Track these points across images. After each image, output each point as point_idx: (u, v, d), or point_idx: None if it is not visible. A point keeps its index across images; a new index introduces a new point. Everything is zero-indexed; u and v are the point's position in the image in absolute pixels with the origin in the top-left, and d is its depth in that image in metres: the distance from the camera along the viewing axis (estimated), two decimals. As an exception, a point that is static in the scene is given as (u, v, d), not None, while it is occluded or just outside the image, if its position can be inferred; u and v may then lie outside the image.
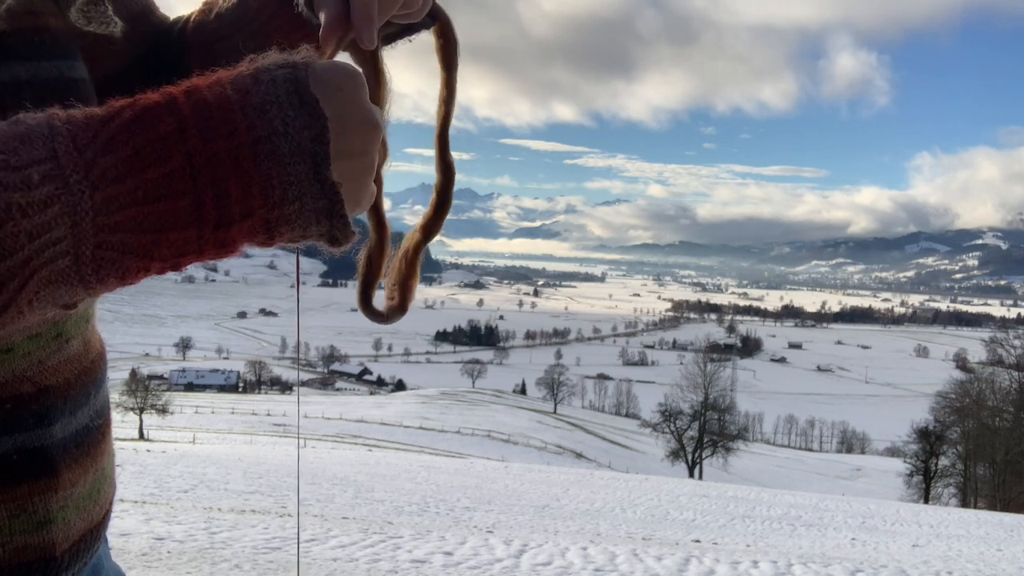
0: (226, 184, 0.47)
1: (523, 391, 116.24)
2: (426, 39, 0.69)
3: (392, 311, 0.68)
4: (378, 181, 0.61)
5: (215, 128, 0.47)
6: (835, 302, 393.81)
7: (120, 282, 0.47)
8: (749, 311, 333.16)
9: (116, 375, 71.79)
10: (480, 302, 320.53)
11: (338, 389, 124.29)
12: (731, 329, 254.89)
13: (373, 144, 0.54)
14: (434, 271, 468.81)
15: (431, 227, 0.70)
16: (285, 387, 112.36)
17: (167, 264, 0.48)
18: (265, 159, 0.48)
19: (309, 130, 0.49)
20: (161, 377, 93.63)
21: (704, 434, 49.07)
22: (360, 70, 0.54)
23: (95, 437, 0.66)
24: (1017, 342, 53.44)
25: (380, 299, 0.66)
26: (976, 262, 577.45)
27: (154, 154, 0.46)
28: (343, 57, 0.64)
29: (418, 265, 0.68)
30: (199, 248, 0.48)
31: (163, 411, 40.46)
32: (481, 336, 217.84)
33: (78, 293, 0.46)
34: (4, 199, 0.42)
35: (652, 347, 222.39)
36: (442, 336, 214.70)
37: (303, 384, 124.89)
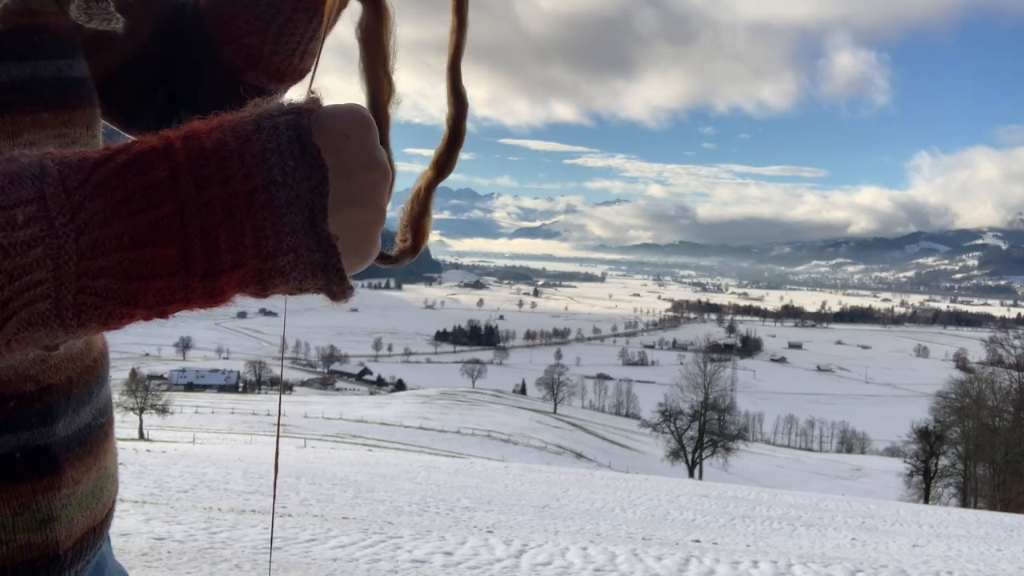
0: (216, 233, 0.45)
1: (523, 391, 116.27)
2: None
3: (403, 253, 0.65)
4: (385, 115, 0.60)
5: (209, 176, 0.46)
6: (835, 302, 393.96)
7: (102, 327, 0.46)
8: (749, 311, 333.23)
9: (116, 375, 71.12)
10: (480, 302, 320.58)
11: (338, 389, 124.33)
12: (731, 329, 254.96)
13: (381, 192, 0.52)
14: (434, 271, 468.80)
15: (444, 163, 0.66)
16: (286, 387, 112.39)
17: (152, 311, 0.47)
18: (260, 209, 0.46)
19: (309, 180, 0.48)
20: (161, 377, 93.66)
21: (704, 434, 49.08)
22: (370, 118, 0.53)
23: (98, 435, 0.66)
24: (1017, 342, 53.48)
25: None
26: (976, 262, 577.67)
27: (144, 200, 0.44)
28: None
29: (431, 204, 0.66)
30: (186, 296, 0.46)
31: (163, 411, 40.49)
32: (481, 336, 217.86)
33: (58, 336, 0.45)
34: None
35: (652, 347, 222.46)
36: (442, 336, 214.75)
37: (303, 384, 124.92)
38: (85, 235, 0.43)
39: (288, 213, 0.47)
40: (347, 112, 0.51)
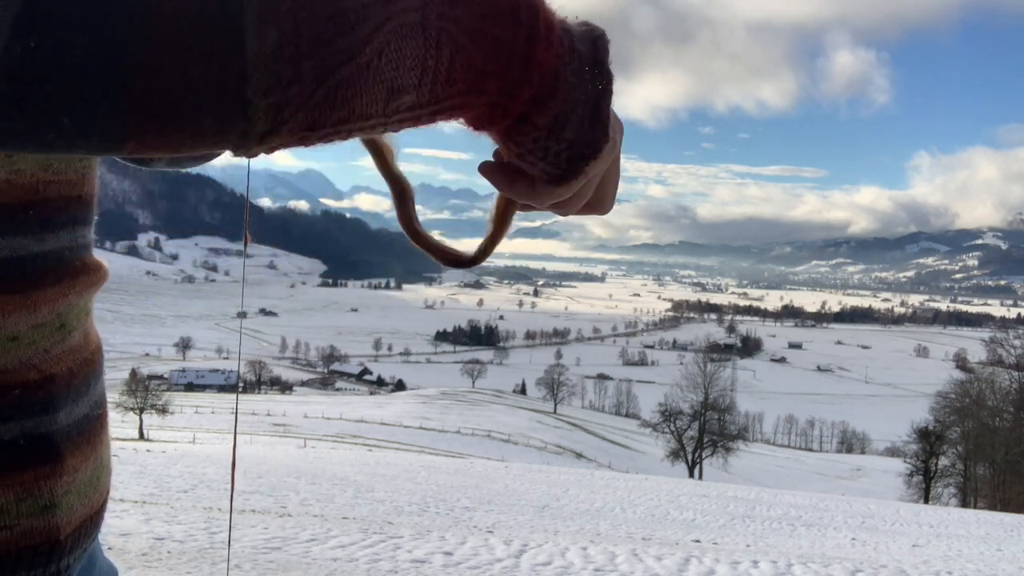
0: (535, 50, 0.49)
1: (523, 391, 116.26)
2: None
3: (481, 254, 0.64)
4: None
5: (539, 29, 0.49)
6: (835, 302, 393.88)
7: (438, 65, 0.47)
8: (749, 311, 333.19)
9: (116, 375, 71.68)
10: (480, 302, 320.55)
11: (338, 389, 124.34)
12: (731, 329, 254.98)
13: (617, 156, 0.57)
14: (434, 271, 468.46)
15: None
16: (285, 387, 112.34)
17: (460, 81, 0.48)
18: (568, 60, 0.51)
19: (599, 83, 0.52)
20: (161, 377, 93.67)
21: (704, 434, 49.07)
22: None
23: (95, 426, 0.68)
24: (1017, 342, 53.46)
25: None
26: (976, 262, 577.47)
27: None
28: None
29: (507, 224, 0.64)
30: (510, 56, 0.49)
31: (163, 411, 40.44)
32: (481, 336, 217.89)
33: (414, 56, 0.46)
34: None
35: (652, 347, 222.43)
36: (442, 336, 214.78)
37: (303, 384, 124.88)
38: None
39: (578, 87, 0.51)
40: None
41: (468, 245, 0.65)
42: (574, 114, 0.51)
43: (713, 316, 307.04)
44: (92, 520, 0.68)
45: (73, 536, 0.64)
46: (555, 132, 0.52)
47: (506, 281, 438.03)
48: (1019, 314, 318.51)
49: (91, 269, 0.65)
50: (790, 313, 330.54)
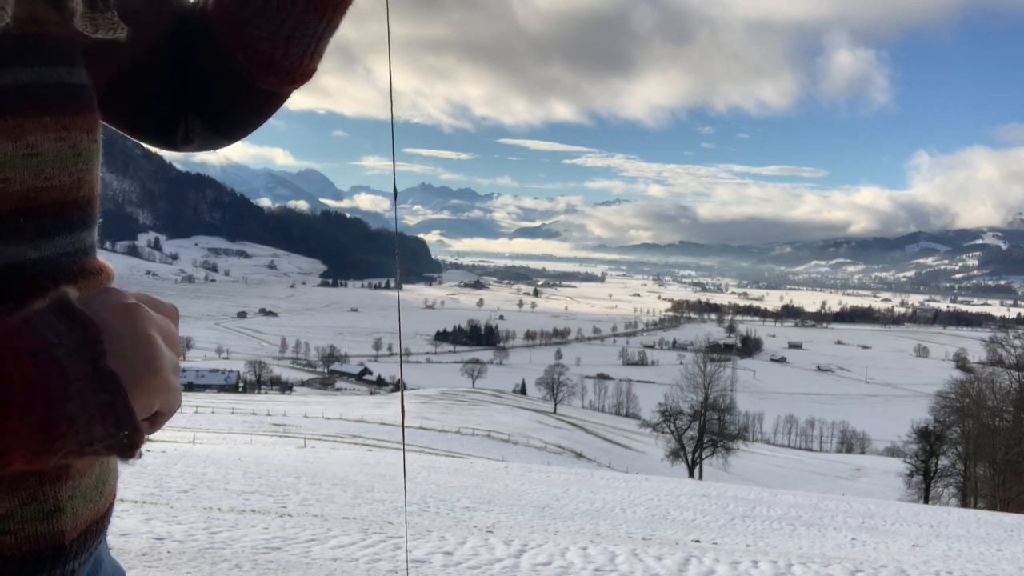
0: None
1: (523, 391, 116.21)
2: None
3: None
4: None
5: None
6: (835, 302, 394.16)
7: None
8: (749, 311, 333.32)
9: (116, 375, 71.32)
10: (480, 302, 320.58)
11: (338, 389, 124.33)
12: (731, 329, 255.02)
13: (143, 322, 0.58)
14: (434, 271, 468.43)
15: None
16: (285, 387, 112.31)
17: None
18: (44, 362, 0.49)
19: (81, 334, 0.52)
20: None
21: (704, 434, 49.06)
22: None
23: None
24: (1017, 342, 53.37)
25: None
26: (976, 262, 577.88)
27: None
28: None
29: None
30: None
31: (163, 411, 40.42)
32: (481, 336, 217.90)
33: None
34: None
35: (652, 347, 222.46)
36: (442, 336, 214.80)
37: (303, 384, 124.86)
38: None
39: (69, 363, 0.51)
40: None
41: None
42: (79, 397, 0.50)
43: (713, 316, 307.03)
44: (98, 524, 0.68)
45: (78, 540, 0.64)
46: (68, 434, 0.51)
47: (506, 281, 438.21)
48: (1019, 314, 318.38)
49: (91, 273, 0.65)
50: (790, 313, 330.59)
